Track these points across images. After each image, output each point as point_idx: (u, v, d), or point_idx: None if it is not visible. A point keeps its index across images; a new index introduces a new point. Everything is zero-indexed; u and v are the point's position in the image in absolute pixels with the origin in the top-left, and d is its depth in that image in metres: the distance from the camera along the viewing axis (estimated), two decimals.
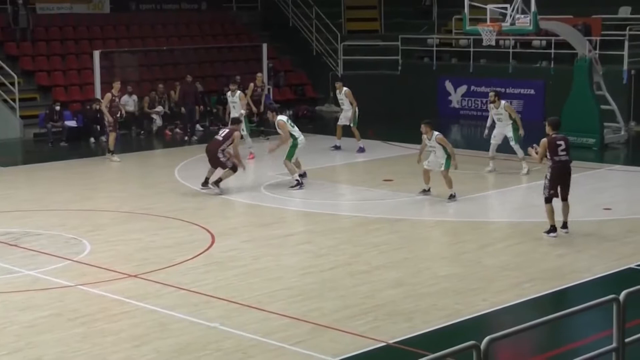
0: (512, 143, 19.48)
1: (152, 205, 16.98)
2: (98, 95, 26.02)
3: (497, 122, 19.69)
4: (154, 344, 9.88)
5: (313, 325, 10.42)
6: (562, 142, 14.29)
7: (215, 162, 17.80)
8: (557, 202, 14.29)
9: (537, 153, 14.59)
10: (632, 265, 12.72)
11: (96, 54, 26.51)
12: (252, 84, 24.64)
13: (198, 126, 26.33)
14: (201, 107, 26.57)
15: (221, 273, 12.58)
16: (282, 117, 18.63)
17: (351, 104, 22.63)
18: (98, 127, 25.14)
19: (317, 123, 28.70)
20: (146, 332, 10.24)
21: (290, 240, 14.42)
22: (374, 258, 13.29)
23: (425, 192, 17.24)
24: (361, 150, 22.37)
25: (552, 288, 11.79)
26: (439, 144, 16.79)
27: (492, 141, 19.75)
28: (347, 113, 22.71)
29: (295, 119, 29.28)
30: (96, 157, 23.04)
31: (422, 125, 16.97)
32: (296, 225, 15.43)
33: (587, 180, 19.02)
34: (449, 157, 16.81)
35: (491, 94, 19.95)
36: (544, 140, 14.36)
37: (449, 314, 10.79)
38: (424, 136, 16.97)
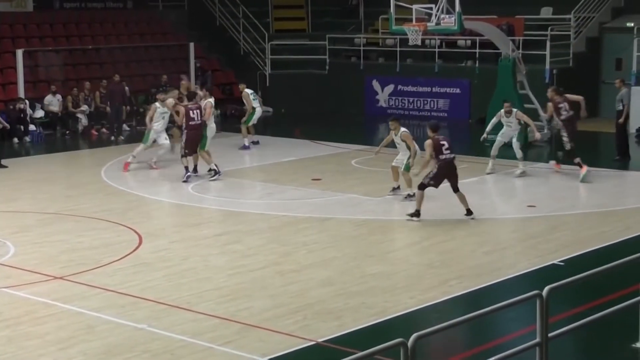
0: (515, 146, 19.45)
1: (79, 206, 16.78)
2: (22, 94, 25.64)
3: (507, 127, 19.59)
4: (80, 347, 9.77)
5: (242, 325, 10.41)
6: (445, 142, 15.46)
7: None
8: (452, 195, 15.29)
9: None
10: (555, 262, 12.96)
11: (19, 52, 26.10)
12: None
13: (125, 126, 26.09)
14: (128, 107, 26.32)
15: (149, 274, 12.49)
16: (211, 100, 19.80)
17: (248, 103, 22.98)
18: (22, 127, 24.78)
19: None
20: (73, 335, 10.12)
21: (219, 240, 14.38)
22: (303, 257, 13.32)
23: (395, 190, 17.29)
24: (246, 147, 22.50)
25: (478, 285, 11.96)
26: (403, 141, 16.86)
27: (499, 137, 19.70)
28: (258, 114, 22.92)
29: (224, 119, 29.31)
30: (20, 158, 22.67)
31: (390, 122, 17.16)
32: (225, 225, 15.39)
33: (511, 177, 19.32)
34: (409, 158, 16.94)
35: (507, 104, 19.59)
36: (430, 141, 15.42)
37: (377, 312, 10.87)
38: (392, 132, 17.07)
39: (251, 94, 22.82)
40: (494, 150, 19.73)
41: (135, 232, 14.75)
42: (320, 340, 9.95)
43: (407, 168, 16.91)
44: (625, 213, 16.13)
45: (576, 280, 8.63)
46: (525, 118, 19.68)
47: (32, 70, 27.21)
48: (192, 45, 29.89)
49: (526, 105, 23.54)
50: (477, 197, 17.42)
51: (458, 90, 28.23)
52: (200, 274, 12.50)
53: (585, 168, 18.75)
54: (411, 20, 21.81)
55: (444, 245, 13.97)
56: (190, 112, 18.62)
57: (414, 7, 21.80)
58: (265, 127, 26.24)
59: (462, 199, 15.56)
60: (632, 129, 25.08)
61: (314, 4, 34.06)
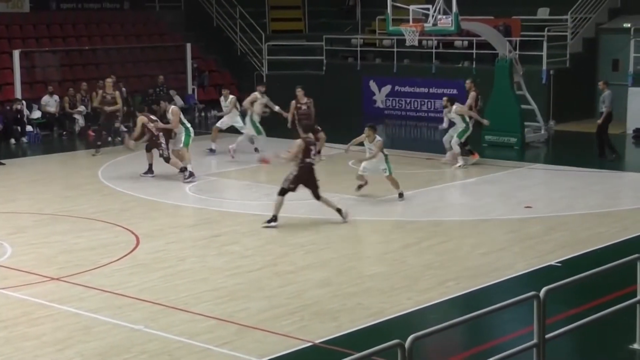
0: (453, 141, 20.30)
1: (76, 207, 16.77)
2: (19, 95, 25.63)
3: (455, 122, 20.52)
4: (77, 348, 9.76)
5: (239, 326, 10.40)
6: (313, 147, 15.56)
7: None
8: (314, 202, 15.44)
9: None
10: (552, 263, 12.96)
11: (16, 53, 26.11)
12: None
13: (122, 127, 26.05)
14: (124, 107, 26.27)
15: (146, 275, 12.48)
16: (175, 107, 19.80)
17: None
18: (19, 127, 24.76)
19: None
20: (69, 336, 10.11)
21: (216, 241, 14.36)
22: (300, 258, 13.32)
23: (361, 187, 17.44)
24: (212, 151, 22.38)
25: (476, 286, 11.95)
26: (377, 148, 16.98)
27: (450, 131, 20.65)
28: (235, 118, 22.58)
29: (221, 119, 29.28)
30: (17, 158, 22.66)
31: (366, 129, 17.22)
32: (222, 226, 15.38)
33: (508, 178, 19.35)
34: (387, 162, 17.14)
35: (444, 99, 20.79)
36: (300, 141, 15.34)
37: (374, 312, 10.87)
38: (366, 140, 17.12)
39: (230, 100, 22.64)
40: (446, 144, 20.71)
41: (133, 233, 14.74)
42: (317, 341, 9.94)
43: (390, 171, 17.06)
44: (622, 214, 16.14)
45: (573, 281, 8.64)
46: (464, 111, 20.32)
47: (29, 71, 27.22)
48: (189, 46, 29.90)
49: (523, 106, 23.59)
50: (474, 198, 17.47)
51: (455, 91, 28.18)
52: (197, 275, 12.49)
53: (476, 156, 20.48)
54: (408, 20, 21.83)
55: (441, 247, 13.97)
56: (152, 116, 19.35)
57: (411, 7, 21.82)
58: (263, 127, 26.20)
59: (328, 203, 15.40)
60: (629, 130, 25.17)
61: (310, 5, 34.07)
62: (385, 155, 17.24)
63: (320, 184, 15.42)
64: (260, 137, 21.80)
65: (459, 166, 20.21)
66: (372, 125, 17.52)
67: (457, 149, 20.32)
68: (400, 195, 17.21)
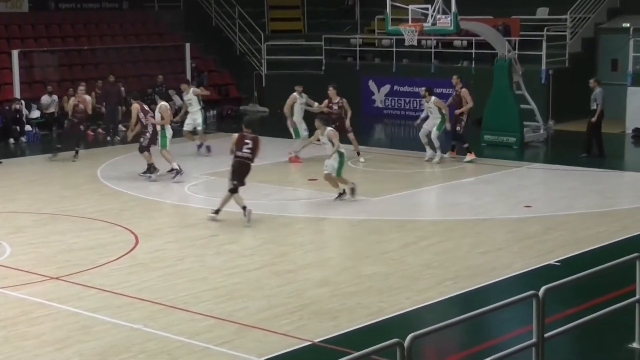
0: (433, 135, 20.53)
1: (75, 206, 16.77)
2: (17, 95, 25.63)
3: (429, 114, 20.83)
4: (76, 347, 9.76)
5: (239, 326, 10.41)
6: (249, 141, 15.49)
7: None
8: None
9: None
10: (551, 262, 12.97)
11: (15, 53, 26.10)
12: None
13: (120, 126, 26.06)
14: (123, 107, 26.28)
15: (145, 274, 12.48)
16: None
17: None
18: (18, 127, 24.76)
19: (242, 123, 28.60)
20: (69, 335, 10.11)
21: (215, 241, 14.36)
22: (300, 258, 13.32)
23: (341, 195, 17.02)
24: (206, 148, 22.13)
25: (474, 285, 11.96)
26: (330, 141, 16.64)
27: (425, 126, 20.89)
28: (194, 115, 22.22)
29: (220, 119, 29.31)
30: (16, 158, 22.65)
31: (316, 121, 17.15)
32: (221, 226, 15.36)
33: (507, 178, 19.36)
34: (340, 162, 16.65)
35: (422, 89, 21.22)
36: (235, 135, 15.65)
37: (373, 312, 10.87)
38: (318, 131, 17.03)
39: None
40: (422, 139, 20.92)
41: (132, 232, 14.74)
42: (316, 340, 9.95)
43: (339, 173, 16.72)
44: (621, 213, 16.14)
45: (572, 281, 8.64)
46: (441, 105, 20.64)
47: (28, 70, 27.21)
48: (188, 45, 29.90)
49: (522, 106, 23.59)
50: (473, 198, 17.46)
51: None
52: (196, 275, 12.49)
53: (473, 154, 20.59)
54: (407, 20, 21.84)
55: (440, 246, 13.97)
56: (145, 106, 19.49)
57: (410, 7, 21.82)
58: (262, 127, 26.21)
59: (237, 199, 15.40)
60: (628, 129, 25.18)
61: (309, 5, 34.06)
62: (340, 153, 16.66)
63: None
64: (297, 140, 21.30)
65: (438, 161, 20.52)
66: (321, 117, 17.50)
67: (437, 142, 20.58)
68: (344, 192, 16.86)
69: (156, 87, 28.05)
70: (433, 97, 20.65)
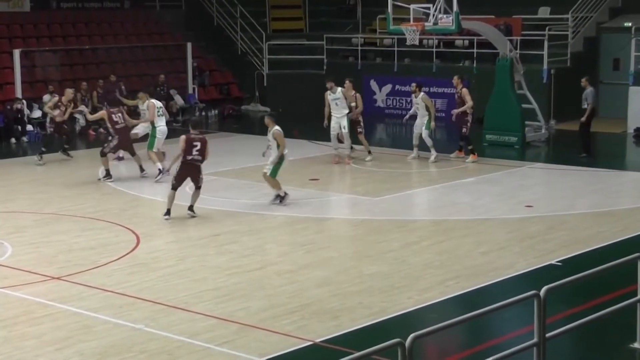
0: (424, 135, 20.70)
1: (76, 206, 16.76)
2: (19, 94, 25.64)
3: (417, 112, 21.00)
4: (77, 347, 9.75)
5: (239, 326, 10.40)
6: (198, 143, 15.45)
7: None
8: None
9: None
10: (552, 262, 12.95)
11: (16, 52, 26.11)
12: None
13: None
14: (125, 106, 26.24)
15: (146, 274, 12.48)
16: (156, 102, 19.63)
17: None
18: (19, 127, 24.77)
19: (243, 122, 28.66)
20: (69, 335, 10.11)
21: (216, 241, 14.36)
22: (301, 257, 13.31)
23: (280, 197, 16.64)
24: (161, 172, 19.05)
25: (476, 285, 11.95)
26: (274, 139, 16.39)
27: (415, 130, 21.10)
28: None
29: (221, 118, 29.31)
30: (18, 158, 22.65)
31: (265, 118, 17.03)
32: (222, 226, 15.37)
33: (509, 178, 19.34)
34: (278, 164, 16.42)
35: (413, 84, 21.47)
36: (183, 137, 15.55)
37: (374, 312, 10.86)
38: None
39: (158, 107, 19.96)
40: (414, 140, 21.13)
41: (133, 232, 14.74)
42: (317, 340, 9.94)
43: (274, 174, 16.48)
44: (622, 213, 16.13)
45: (574, 281, 8.63)
46: (428, 102, 20.80)
47: (29, 70, 27.21)
48: (189, 45, 29.91)
49: (524, 105, 23.57)
50: (474, 197, 17.45)
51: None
52: (197, 274, 12.48)
53: (476, 156, 20.57)
54: (409, 20, 21.82)
55: (442, 246, 13.96)
56: (113, 115, 19.07)
57: (412, 7, 21.80)
58: (263, 127, 26.20)
59: (195, 197, 15.70)
60: (630, 129, 25.16)
61: (311, 4, 34.04)
62: (282, 154, 16.40)
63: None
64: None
65: (434, 160, 20.51)
66: (271, 114, 17.52)
67: (429, 141, 20.65)
68: (277, 197, 16.58)
69: (157, 87, 28.07)
70: (422, 93, 20.85)
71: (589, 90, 21.63)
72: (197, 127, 16.13)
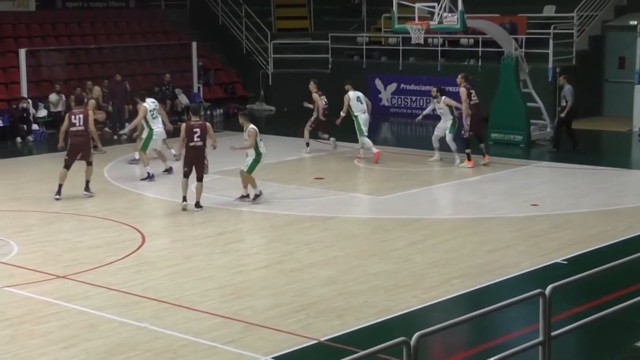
0: (448, 138, 20.17)
1: (81, 205, 16.79)
2: (25, 94, 25.67)
3: (441, 116, 20.49)
4: (83, 345, 9.77)
5: (245, 324, 10.41)
6: (198, 129, 15.87)
7: None
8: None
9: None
10: (558, 260, 12.94)
11: (22, 52, 26.14)
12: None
13: (127, 125, 26.07)
14: (130, 105, 26.29)
15: (152, 273, 12.50)
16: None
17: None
18: (25, 126, 24.81)
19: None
20: (75, 334, 10.13)
21: (222, 239, 14.37)
22: (306, 256, 13.32)
23: (244, 197, 16.79)
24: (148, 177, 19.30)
25: (481, 284, 11.95)
26: (249, 136, 16.49)
27: (436, 132, 20.67)
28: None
29: (226, 117, 29.32)
30: (23, 157, 22.69)
31: (240, 117, 17.05)
32: (227, 224, 15.38)
33: (514, 176, 19.33)
34: (255, 161, 16.52)
35: (433, 89, 20.73)
36: (183, 125, 16.02)
37: (380, 310, 10.86)
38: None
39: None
40: (434, 143, 20.63)
41: (138, 231, 14.76)
42: (322, 339, 9.95)
43: (251, 170, 16.56)
44: (628, 212, 16.11)
45: (579, 279, 8.61)
46: (452, 103, 20.21)
47: (35, 69, 27.25)
48: (194, 44, 29.93)
49: (529, 104, 23.54)
50: (479, 196, 17.45)
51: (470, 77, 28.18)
52: (202, 273, 12.50)
53: (472, 162, 19.92)
54: (414, 18, 21.80)
55: (447, 244, 13.96)
56: (72, 117, 17.51)
57: (417, 5, 21.79)
58: (268, 125, 26.26)
59: (199, 190, 16.09)
60: (635, 127, 25.11)
61: (316, 3, 34.05)
62: (258, 152, 16.51)
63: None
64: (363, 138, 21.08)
65: (460, 162, 20.04)
66: (245, 113, 17.52)
67: (453, 145, 20.05)
68: (247, 196, 16.68)
69: (163, 86, 28.12)
70: (443, 97, 20.17)
71: (567, 88, 21.85)
72: (197, 113, 16.57)
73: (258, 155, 16.53)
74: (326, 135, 22.07)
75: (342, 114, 21.17)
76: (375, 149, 20.77)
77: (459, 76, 20.90)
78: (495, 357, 7.65)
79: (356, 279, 12.16)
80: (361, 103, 21.12)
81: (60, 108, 25.89)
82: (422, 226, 15.24)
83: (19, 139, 24.58)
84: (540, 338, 7.77)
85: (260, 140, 16.62)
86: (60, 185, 17.19)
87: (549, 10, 28.87)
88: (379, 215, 16.04)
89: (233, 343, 9.82)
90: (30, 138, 24.87)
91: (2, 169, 20.89)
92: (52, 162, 21.48)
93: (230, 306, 11.04)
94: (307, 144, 21.98)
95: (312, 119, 21.93)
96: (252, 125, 16.51)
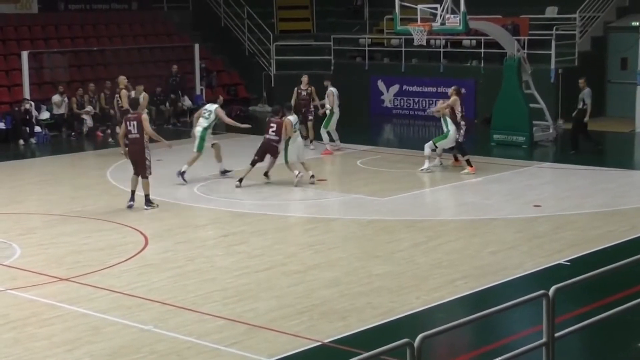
0: (427, 143, 20.04)
1: (85, 207, 16.80)
2: (27, 96, 25.68)
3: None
4: (86, 348, 9.78)
5: (248, 326, 10.41)
6: (274, 125, 18.16)
7: None
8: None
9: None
10: (561, 261, 12.94)
11: (24, 54, 26.16)
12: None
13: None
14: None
15: (155, 275, 12.50)
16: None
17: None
18: (27, 128, 24.82)
19: (250, 123, 28.54)
20: (79, 336, 10.13)
21: (225, 241, 14.38)
22: (309, 258, 13.32)
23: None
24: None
25: (485, 285, 11.94)
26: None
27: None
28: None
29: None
30: (26, 159, 22.70)
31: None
32: (230, 226, 15.39)
33: (517, 177, 19.32)
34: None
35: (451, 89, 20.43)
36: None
37: (383, 312, 10.86)
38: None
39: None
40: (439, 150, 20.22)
41: (141, 233, 14.76)
42: (326, 340, 9.94)
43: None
44: (630, 212, 16.10)
45: (582, 280, 8.61)
46: (442, 105, 19.91)
47: (38, 72, 27.27)
48: (197, 46, 29.94)
49: (532, 105, 23.55)
50: (482, 197, 17.44)
51: (463, 90, 28.10)
52: (206, 275, 12.50)
53: (473, 169, 19.57)
54: (416, 20, 21.81)
55: (450, 246, 13.96)
56: (127, 123, 16.61)
57: (419, 7, 21.79)
58: None
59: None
60: (638, 128, 25.13)
61: (318, 5, 34.07)
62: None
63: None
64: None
65: (423, 169, 19.67)
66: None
67: (427, 150, 19.68)
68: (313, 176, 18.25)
69: (170, 77, 28.15)
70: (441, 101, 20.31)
71: (586, 91, 21.84)
72: (278, 112, 18.49)
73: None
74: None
75: (328, 106, 22.26)
76: (328, 147, 21.77)
77: (451, 89, 20.36)
78: (499, 359, 7.64)
79: (359, 281, 12.16)
80: (338, 99, 22.31)
81: (63, 110, 25.94)
82: (425, 227, 15.24)
83: (21, 142, 24.58)
84: (544, 339, 7.77)
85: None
86: (132, 192, 16.56)
87: (551, 12, 28.87)
88: (382, 217, 16.03)
89: (236, 345, 9.82)
90: (32, 140, 24.87)
91: (5, 171, 20.90)
92: (55, 165, 21.55)
93: (234, 308, 11.04)
94: (332, 140, 22.54)
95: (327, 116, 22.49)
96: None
